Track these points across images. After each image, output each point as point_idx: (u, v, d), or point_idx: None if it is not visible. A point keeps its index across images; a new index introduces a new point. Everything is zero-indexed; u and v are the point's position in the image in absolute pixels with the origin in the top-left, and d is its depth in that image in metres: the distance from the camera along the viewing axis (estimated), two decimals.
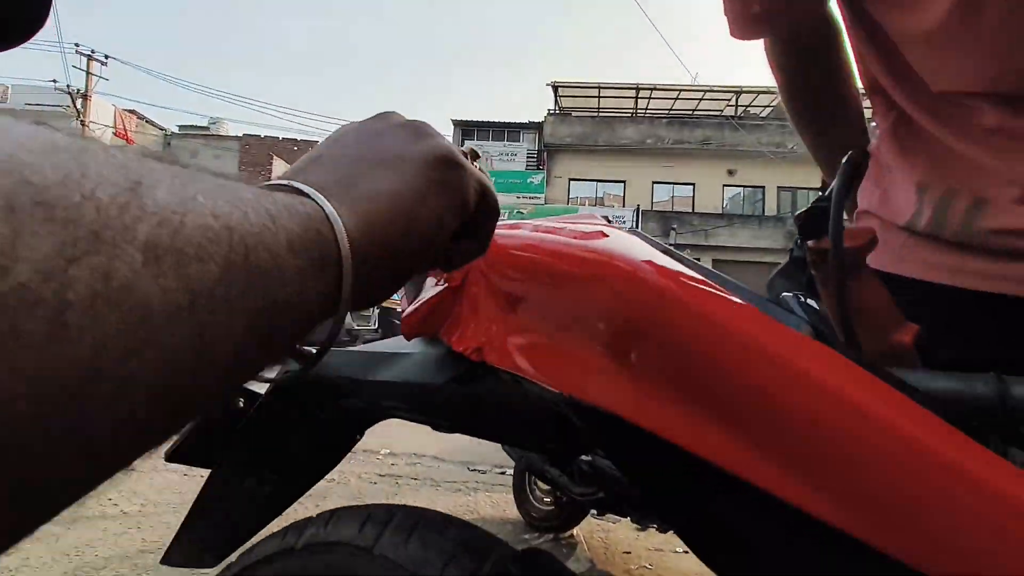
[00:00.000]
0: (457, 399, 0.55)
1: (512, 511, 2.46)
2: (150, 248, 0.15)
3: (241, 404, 0.67)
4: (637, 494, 0.44)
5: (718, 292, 0.34)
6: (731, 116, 18.04)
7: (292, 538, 0.56)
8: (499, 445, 2.31)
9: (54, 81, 16.61)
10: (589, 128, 18.61)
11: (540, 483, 2.30)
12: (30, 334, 0.12)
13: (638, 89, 18.88)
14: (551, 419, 0.54)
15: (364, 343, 0.73)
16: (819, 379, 0.31)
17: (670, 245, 0.45)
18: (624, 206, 17.42)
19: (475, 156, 0.35)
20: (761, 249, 15.83)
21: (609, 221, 0.45)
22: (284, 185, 0.23)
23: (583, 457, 1.88)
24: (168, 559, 0.71)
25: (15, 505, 0.13)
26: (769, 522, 0.33)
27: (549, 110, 19.49)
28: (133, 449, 0.16)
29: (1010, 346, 0.43)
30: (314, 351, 0.27)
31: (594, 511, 2.15)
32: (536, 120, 19.42)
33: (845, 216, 0.51)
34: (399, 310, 0.76)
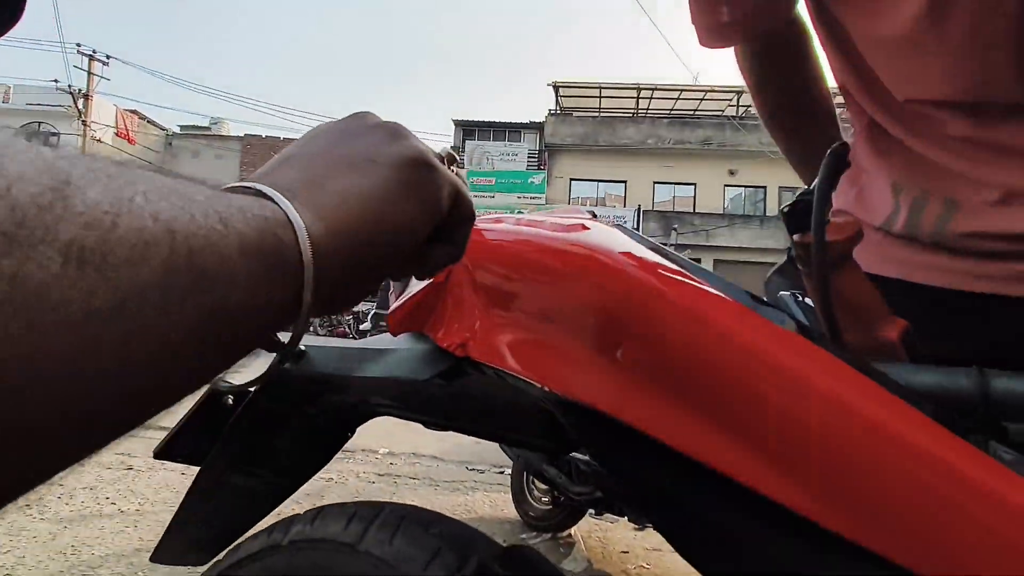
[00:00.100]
0: (443, 395, 0.55)
1: (510, 511, 2.46)
2: (72, 250, 0.14)
3: (230, 401, 0.67)
4: (624, 491, 0.43)
5: (698, 285, 0.34)
6: (732, 116, 18.02)
7: (278, 535, 0.56)
8: (497, 445, 2.31)
9: (55, 81, 16.66)
10: (590, 128, 18.61)
11: (538, 483, 2.29)
12: None
13: (639, 89, 18.87)
14: (538, 415, 0.54)
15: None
16: (798, 373, 0.30)
17: (671, 245, 0.45)
18: (625, 206, 17.41)
19: (452, 160, 0.34)
20: (762, 249, 15.80)
21: (595, 216, 0.45)
22: (247, 187, 0.22)
23: (580, 456, 1.88)
24: (157, 556, 0.71)
25: None
26: (749, 517, 0.33)
27: (550, 110, 19.50)
28: (53, 456, 0.16)
29: (988, 343, 0.43)
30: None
31: (592, 511, 2.15)
32: (537, 120, 19.43)
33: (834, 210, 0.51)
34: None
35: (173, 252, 0.17)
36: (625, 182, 18.48)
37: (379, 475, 2.93)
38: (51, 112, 17.50)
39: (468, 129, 19.82)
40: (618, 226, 0.40)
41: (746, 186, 18.13)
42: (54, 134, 17.83)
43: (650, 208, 17.74)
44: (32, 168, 0.14)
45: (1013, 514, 0.25)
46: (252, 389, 0.64)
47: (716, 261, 15.80)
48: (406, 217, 0.26)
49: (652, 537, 2.26)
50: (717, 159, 17.91)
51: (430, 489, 2.78)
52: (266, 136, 20.64)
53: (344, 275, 0.24)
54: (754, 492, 0.31)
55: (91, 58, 16.29)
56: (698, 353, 0.32)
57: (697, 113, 19.25)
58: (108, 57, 16.70)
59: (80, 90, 16.33)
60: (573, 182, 18.61)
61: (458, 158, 0.35)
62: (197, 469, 0.69)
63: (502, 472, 3.01)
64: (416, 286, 0.53)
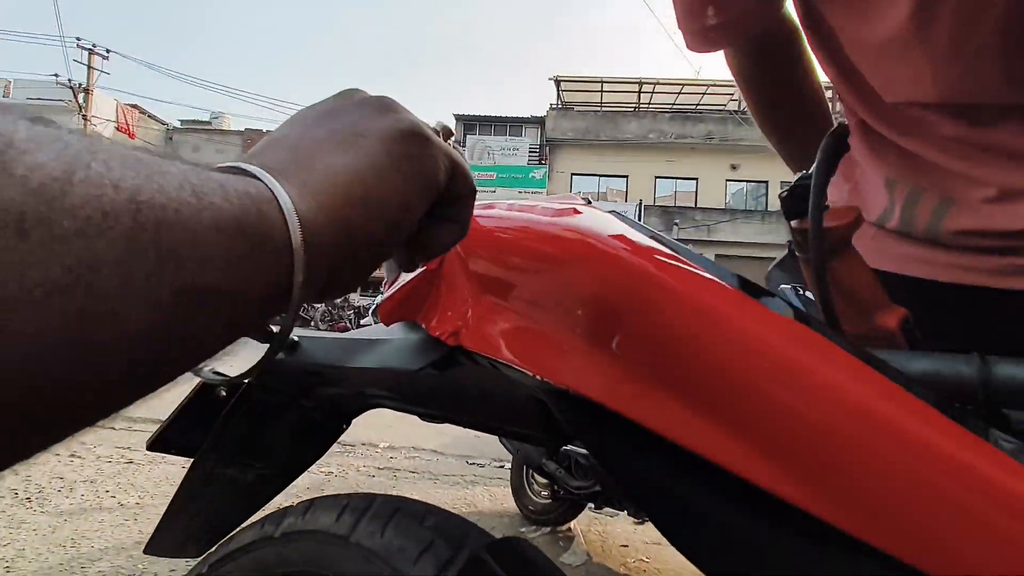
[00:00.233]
0: (436, 385, 0.54)
1: (510, 505, 2.46)
2: (8, 217, 0.13)
3: (223, 393, 0.66)
4: (618, 484, 0.43)
5: (694, 271, 0.33)
6: (734, 111, 17.95)
7: (271, 527, 0.56)
8: (497, 439, 2.30)
9: (55, 76, 16.61)
10: (591, 123, 18.54)
11: (538, 477, 2.30)
12: None
13: (641, 83, 18.80)
14: (533, 406, 0.53)
15: None
16: (796, 361, 0.30)
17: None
18: (627, 201, 17.37)
19: (448, 134, 0.33)
20: (764, 244, 15.77)
21: (589, 202, 0.44)
22: (231, 168, 0.21)
23: (580, 450, 1.88)
24: (151, 549, 0.71)
25: None
26: (744, 508, 0.32)
27: (551, 104, 19.43)
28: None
29: (981, 336, 0.42)
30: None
31: (591, 505, 2.15)
32: (538, 114, 19.36)
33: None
34: None
35: (136, 224, 0.15)
36: (627, 177, 18.44)
37: (379, 469, 2.93)
38: (51, 107, 17.47)
39: (469, 123, 19.77)
40: (613, 212, 0.39)
41: (748, 181, 18.07)
42: None
43: (652, 203, 17.69)
44: None
45: (1015, 504, 0.24)
46: (245, 381, 0.64)
47: (718, 256, 15.75)
48: (400, 192, 0.24)
49: (651, 531, 2.26)
50: (719, 154, 17.86)
51: (430, 483, 2.79)
52: (266, 130, 20.58)
53: (338, 256, 0.22)
54: (751, 484, 0.30)
55: (91, 52, 16.26)
56: (694, 340, 0.31)
57: (699, 108, 19.18)
58: (108, 51, 16.66)
59: (80, 84, 16.30)
60: (574, 177, 18.57)
61: (454, 132, 0.34)
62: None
63: (502, 466, 3.02)
64: (407, 275, 0.52)
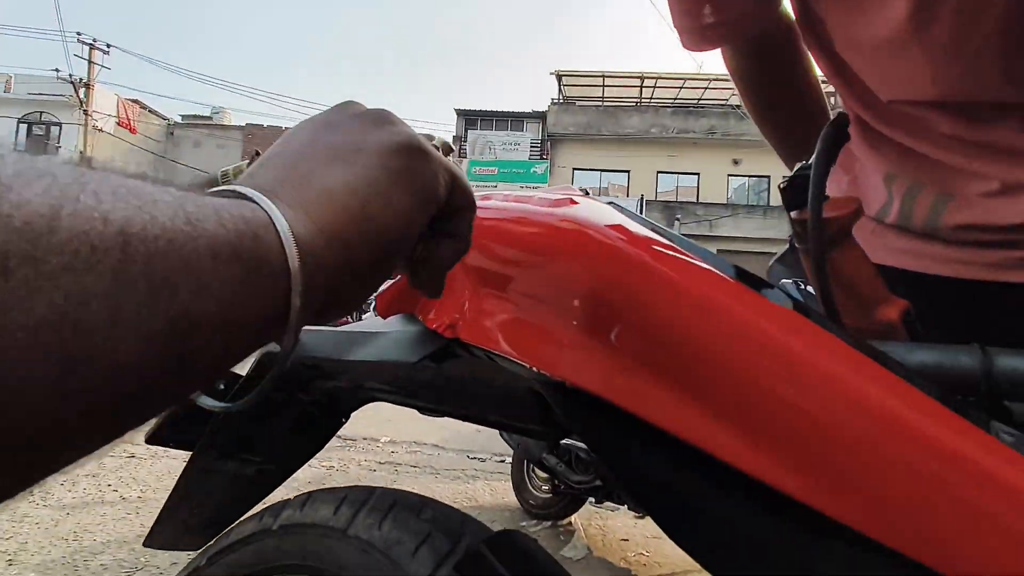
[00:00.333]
0: (434, 378, 0.54)
1: (511, 499, 2.46)
2: None
3: (221, 386, 0.66)
4: (617, 477, 0.43)
5: (693, 262, 0.33)
6: (736, 105, 17.86)
7: (269, 520, 0.56)
8: (498, 434, 2.31)
9: (56, 70, 16.59)
10: (593, 117, 18.48)
11: (538, 471, 2.30)
12: None
13: (643, 78, 18.71)
14: (530, 399, 0.53)
15: None
16: (796, 352, 0.29)
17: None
18: (628, 196, 17.33)
19: (447, 150, 0.32)
20: (766, 239, 15.73)
21: (587, 193, 0.43)
22: (226, 191, 0.21)
23: (580, 445, 1.88)
24: (150, 542, 0.71)
25: None
26: (744, 503, 0.32)
27: (553, 99, 19.36)
28: None
29: (981, 330, 0.42)
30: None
31: (592, 499, 2.15)
32: (540, 109, 19.30)
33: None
34: None
35: (126, 257, 0.15)
36: (628, 172, 18.39)
37: (380, 463, 2.94)
38: (53, 102, 17.47)
39: (471, 118, 19.71)
40: (611, 203, 0.39)
41: (750, 176, 18.02)
42: (56, 124, 17.82)
43: (653, 198, 17.65)
44: None
45: (1018, 497, 0.24)
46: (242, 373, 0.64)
47: (720, 251, 15.64)
48: (400, 207, 0.24)
49: (652, 525, 2.27)
50: (721, 148, 17.79)
51: (431, 477, 2.79)
52: (267, 125, 20.58)
53: (338, 276, 0.22)
54: (751, 478, 0.30)
55: (92, 47, 16.22)
56: (693, 331, 0.31)
57: (701, 102, 19.10)
58: (108, 46, 16.63)
59: (81, 79, 16.27)
60: (576, 172, 18.52)
61: (455, 148, 0.33)
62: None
63: (503, 461, 3.02)
64: None
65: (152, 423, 0.68)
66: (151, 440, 0.66)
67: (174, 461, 2.55)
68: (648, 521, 2.22)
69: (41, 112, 18.04)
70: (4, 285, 0.13)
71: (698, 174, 18.19)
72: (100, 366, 0.15)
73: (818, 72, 0.68)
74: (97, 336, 0.14)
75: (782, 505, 0.29)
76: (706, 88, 18.72)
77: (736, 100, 18.41)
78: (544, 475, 2.26)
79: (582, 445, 1.86)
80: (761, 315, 0.30)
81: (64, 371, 0.14)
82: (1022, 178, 0.49)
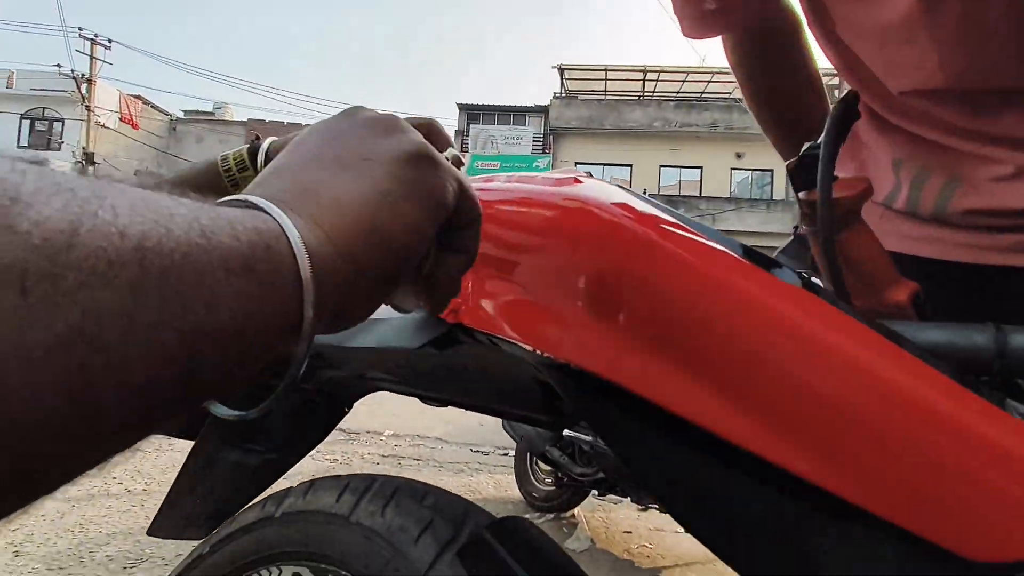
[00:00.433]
0: (436, 365, 0.54)
1: (514, 492, 2.47)
2: (11, 276, 0.13)
3: None
4: (623, 463, 0.42)
5: (701, 240, 0.32)
6: (739, 99, 17.74)
7: (271, 507, 0.56)
8: (501, 427, 2.31)
9: (58, 66, 16.57)
10: (595, 111, 18.40)
11: (541, 464, 2.30)
12: None
13: (645, 71, 18.62)
14: (533, 386, 0.53)
15: None
16: (810, 331, 0.29)
17: None
18: None
19: (458, 163, 0.32)
20: (770, 233, 15.68)
21: (590, 175, 0.43)
22: (239, 201, 0.21)
23: (583, 437, 1.88)
24: (154, 530, 0.71)
25: None
26: (750, 482, 0.31)
27: (555, 93, 19.28)
28: None
29: (991, 314, 0.42)
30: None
31: (595, 491, 2.16)
32: (542, 103, 19.23)
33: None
34: None
35: (143, 271, 0.15)
36: (631, 166, 18.33)
37: (383, 456, 2.95)
38: (55, 97, 17.46)
39: (472, 113, 19.65)
40: (618, 185, 0.38)
41: (753, 169, 17.94)
42: (58, 120, 17.83)
43: (656, 192, 17.59)
44: None
45: None
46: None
47: None
48: (409, 217, 0.24)
49: (655, 517, 2.27)
50: (724, 142, 17.71)
51: (434, 470, 2.80)
52: (269, 121, 20.56)
53: (349, 286, 0.22)
54: (755, 455, 0.29)
55: (93, 42, 16.19)
56: (703, 310, 0.30)
57: (704, 96, 19.01)
58: (110, 41, 16.61)
59: (83, 75, 16.26)
60: (579, 166, 18.45)
61: (464, 162, 0.33)
62: None
63: (506, 454, 3.03)
64: None
65: None
66: None
67: (178, 454, 2.56)
68: (651, 513, 2.22)
69: (44, 108, 18.04)
70: (23, 303, 0.13)
71: (701, 168, 18.12)
72: (114, 382, 0.15)
73: (820, 65, 0.67)
74: (112, 352, 0.14)
75: (798, 490, 0.28)
76: (709, 82, 18.62)
77: (739, 93, 18.23)
78: (547, 468, 2.26)
79: (585, 437, 1.86)
80: (774, 294, 0.29)
81: (78, 389, 0.14)
82: None
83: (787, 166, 0.39)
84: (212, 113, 22.28)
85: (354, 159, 0.24)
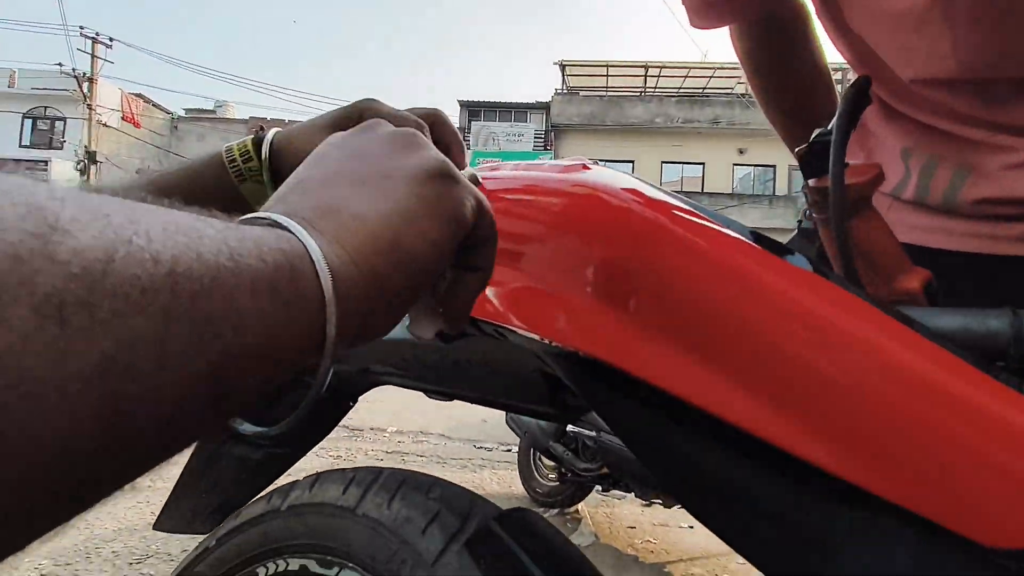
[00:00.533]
0: (441, 359, 0.53)
1: (518, 488, 2.47)
2: (50, 306, 0.13)
3: None
4: (634, 454, 0.42)
5: (711, 225, 0.32)
6: (742, 94, 17.71)
7: (278, 500, 0.55)
8: (505, 424, 2.31)
9: (60, 65, 16.58)
10: (597, 108, 18.37)
11: (545, 460, 2.30)
12: None
13: (647, 67, 18.57)
14: (538, 378, 0.53)
15: None
16: (823, 314, 0.28)
17: None
18: None
19: (475, 182, 0.32)
20: (772, 229, 15.64)
21: (596, 163, 0.42)
22: (262, 218, 0.21)
23: (587, 432, 1.88)
24: (160, 525, 0.71)
25: None
26: (765, 472, 0.31)
27: (556, 89, 19.25)
28: (15, 535, 0.14)
29: (999, 303, 0.42)
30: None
31: (599, 487, 2.16)
32: (543, 100, 19.19)
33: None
34: None
35: (175, 298, 0.15)
36: (633, 162, 18.28)
37: (387, 452, 2.95)
38: (57, 96, 17.48)
39: (474, 110, 19.62)
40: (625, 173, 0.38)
41: (755, 165, 17.89)
42: (60, 119, 17.86)
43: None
44: (14, 213, 0.13)
45: None
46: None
47: None
48: (429, 235, 0.24)
49: (659, 513, 2.27)
50: (726, 138, 17.67)
51: (438, 466, 2.80)
52: (270, 118, 20.55)
53: (369, 305, 0.22)
54: (765, 442, 0.29)
55: (95, 40, 16.19)
56: (715, 296, 0.30)
57: (706, 91, 18.95)
58: (111, 40, 16.60)
59: (85, 74, 16.27)
60: None
61: (481, 182, 0.33)
62: None
63: (509, 450, 3.03)
64: None
65: None
66: None
67: (184, 452, 2.57)
68: (655, 509, 2.22)
69: (46, 107, 18.07)
70: (61, 334, 0.13)
71: (703, 164, 18.08)
72: (146, 409, 0.15)
73: (828, 58, 0.67)
74: (144, 380, 0.14)
75: (813, 478, 0.28)
76: (711, 77, 18.56)
77: (742, 88, 18.27)
78: (551, 463, 2.26)
79: (589, 432, 1.86)
80: (788, 279, 0.29)
81: (112, 416, 0.14)
82: None
83: (796, 152, 0.38)
84: (214, 111, 22.30)
85: (375, 176, 0.24)
